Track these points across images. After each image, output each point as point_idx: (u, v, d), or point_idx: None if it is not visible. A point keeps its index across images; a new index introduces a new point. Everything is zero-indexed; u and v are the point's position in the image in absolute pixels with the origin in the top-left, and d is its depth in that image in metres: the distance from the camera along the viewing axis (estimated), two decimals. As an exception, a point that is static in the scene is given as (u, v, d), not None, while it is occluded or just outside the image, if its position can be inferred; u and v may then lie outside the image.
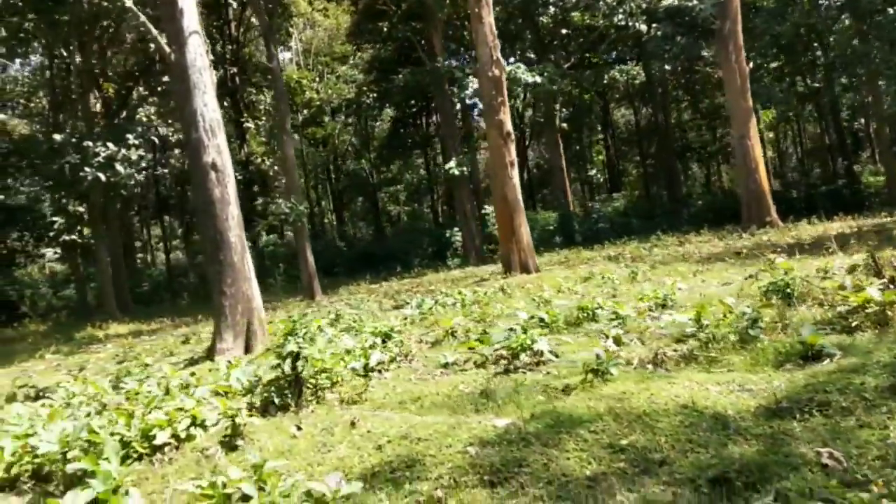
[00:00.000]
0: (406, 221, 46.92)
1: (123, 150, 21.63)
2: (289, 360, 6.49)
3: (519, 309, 10.95)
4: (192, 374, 8.74)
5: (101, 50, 25.18)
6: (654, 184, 44.02)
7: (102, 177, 21.29)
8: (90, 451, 5.08)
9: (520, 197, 15.18)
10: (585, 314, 8.85)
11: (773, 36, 25.67)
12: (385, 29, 32.37)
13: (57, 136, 21.71)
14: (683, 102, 42.28)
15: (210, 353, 10.08)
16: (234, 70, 33.92)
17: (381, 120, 42.45)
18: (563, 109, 39.43)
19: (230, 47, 36.09)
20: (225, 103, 36.45)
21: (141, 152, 21.72)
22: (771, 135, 44.78)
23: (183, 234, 49.01)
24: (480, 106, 39.53)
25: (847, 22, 29.53)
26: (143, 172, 22.62)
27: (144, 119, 31.60)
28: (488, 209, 28.44)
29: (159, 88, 30.31)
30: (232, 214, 10.21)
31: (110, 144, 21.45)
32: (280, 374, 6.64)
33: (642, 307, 9.04)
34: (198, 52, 10.28)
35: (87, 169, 21.21)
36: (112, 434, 5.29)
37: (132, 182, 21.74)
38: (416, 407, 6.50)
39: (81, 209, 26.24)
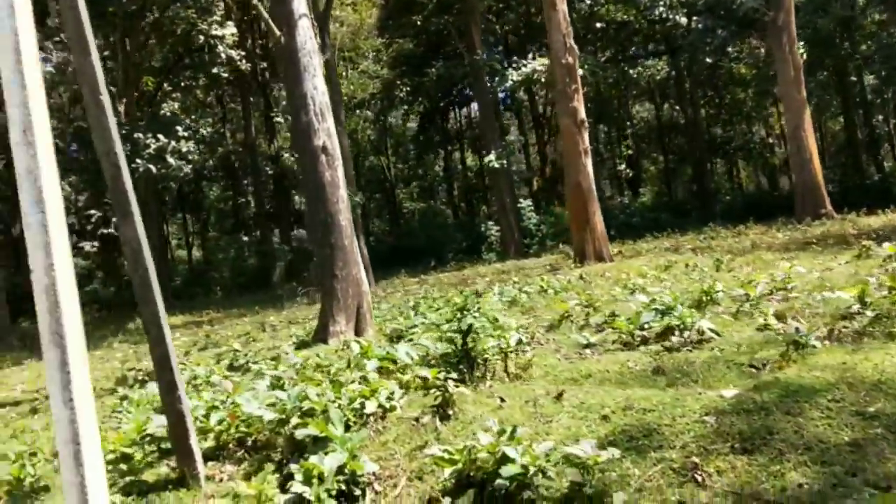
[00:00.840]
0: (423, 217, 46.90)
1: (173, 143, 21.61)
2: (460, 336, 6.51)
3: (616, 295, 10.97)
4: (317, 355, 8.78)
5: (143, 43, 25.11)
6: (675, 180, 44.08)
7: (154, 168, 21.29)
8: (314, 418, 5.08)
9: (593, 185, 15.20)
10: (708, 297, 8.85)
11: (814, 29, 25.69)
12: (418, 22, 32.32)
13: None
14: (704, 98, 42.25)
15: (322, 336, 10.08)
16: (265, 64, 33.84)
17: (407, 115, 42.28)
18: (588, 104, 39.45)
19: (260, 42, 36.04)
20: (251, 98, 36.57)
21: (191, 144, 21.69)
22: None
23: (199, 231, 49.00)
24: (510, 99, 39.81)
25: (879, 16, 29.64)
26: (191, 165, 22.57)
27: (169, 113, 31.57)
28: (523, 203, 28.40)
29: (183, 84, 30.29)
30: (342, 197, 10.22)
31: (161, 136, 21.43)
32: (451, 350, 6.65)
33: (763, 289, 9.02)
34: (307, 34, 10.27)
35: (138, 161, 21.20)
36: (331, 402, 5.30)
37: (181, 174, 21.70)
38: (589, 383, 6.52)
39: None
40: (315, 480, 4.48)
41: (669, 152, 44.17)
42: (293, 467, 4.65)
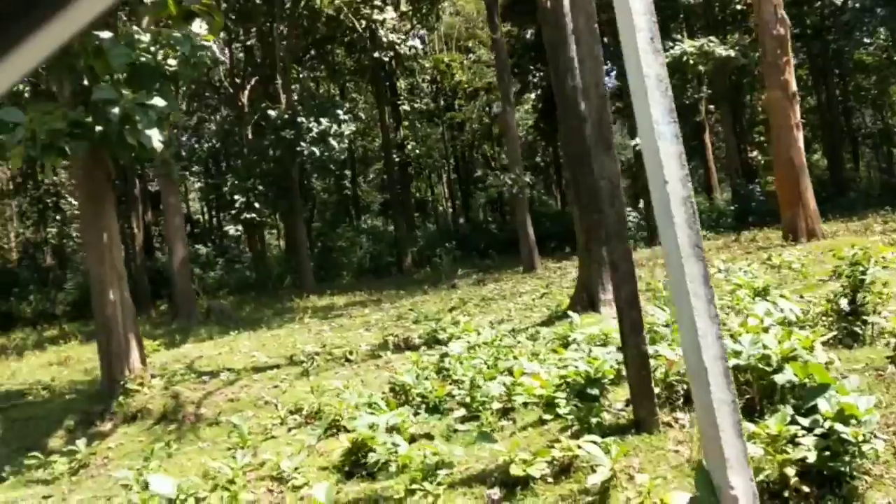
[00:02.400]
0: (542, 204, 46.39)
1: (335, 126, 21.91)
2: (848, 293, 6.21)
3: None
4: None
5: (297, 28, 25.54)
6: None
7: (317, 151, 21.64)
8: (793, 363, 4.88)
9: (805, 160, 14.61)
10: None
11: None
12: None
13: (272, 112, 22.15)
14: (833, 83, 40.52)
15: (586, 305, 9.91)
16: (392, 54, 34.02)
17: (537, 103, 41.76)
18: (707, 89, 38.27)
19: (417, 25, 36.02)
20: (369, 88, 36.91)
21: (352, 127, 21.94)
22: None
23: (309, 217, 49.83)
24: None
25: None
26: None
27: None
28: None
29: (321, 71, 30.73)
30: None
31: (323, 120, 21.75)
32: (832, 308, 6.36)
33: None
34: (573, -1, 10.08)
35: (302, 144, 21.59)
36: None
37: (343, 157, 21.99)
38: None
39: (261, 187, 26.85)
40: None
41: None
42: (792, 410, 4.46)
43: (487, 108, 43.87)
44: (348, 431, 6.93)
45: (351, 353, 10.53)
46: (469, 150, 45.84)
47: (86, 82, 8.76)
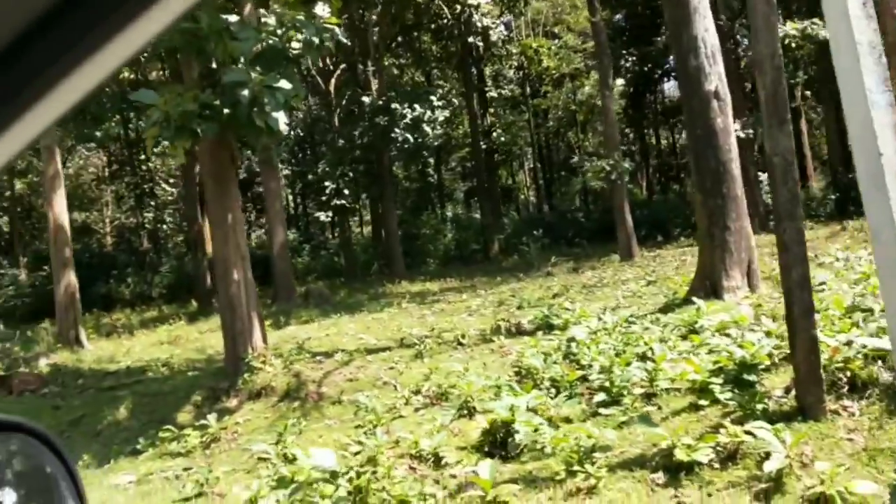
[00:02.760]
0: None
1: (429, 112, 21.93)
2: None
3: None
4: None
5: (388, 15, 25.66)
6: None
7: (411, 138, 21.73)
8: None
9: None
10: None
11: None
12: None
13: (365, 99, 22.35)
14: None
15: (709, 292, 9.57)
16: (481, 38, 33.85)
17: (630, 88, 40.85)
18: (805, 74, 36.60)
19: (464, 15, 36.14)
20: (454, 75, 36.88)
21: (446, 113, 21.92)
22: None
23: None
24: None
25: None
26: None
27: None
28: (762, 176, 26.66)
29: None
30: (733, 145, 9.65)
31: (417, 106, 21.80)
32: None
33: None
34: (697, -25, 9.73)
35: (396, 130, 21.71)
36: None
37: (436, 143, 22.01)
38: None
39: (350, 174, 27.18)
40: None
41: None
42: None
43: (572, 95, 43.22)
44: (480, 413, 6.90)
45: (463, 336, 10.50)
46: (554, 137, 45.30)
47: (214, 65, 8.96)
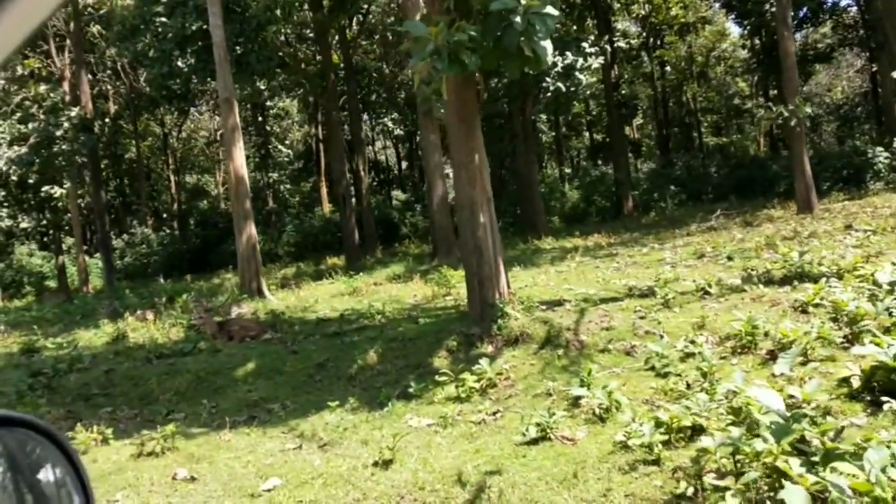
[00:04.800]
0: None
1: (581, 60, 21.05)
2: None
3: None
4: None
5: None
6: None
7: (563, 87, 20.95)
8: None
9: None
10: None
11: None
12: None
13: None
14: None
15: None
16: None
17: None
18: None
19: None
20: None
21: (600, 60, 20.98)
22: None
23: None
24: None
25: None
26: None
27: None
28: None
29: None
30: None
31: (569, 53, 20.95)
32: None
33: None
34: None
35: (547, 80, 20.96)
36: None
37: (588, 92, 21.15)
38: None
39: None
40: None
41: None
42: None
43: (688, 49, 41.22)
44: (818, 361, 6.33)
45: (709, 285, 9.87)
46: (673, 90, 43.45)
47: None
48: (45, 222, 33.00)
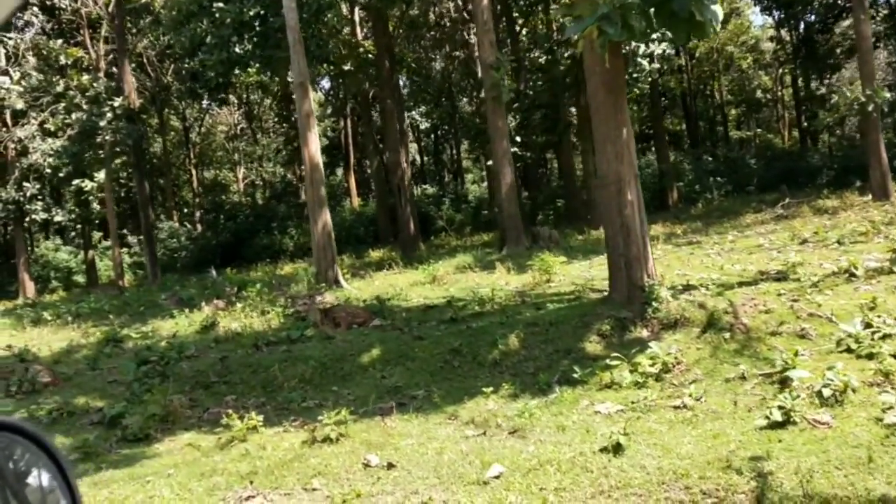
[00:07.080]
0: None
1: (642, 47, 20.57)
2: None
3: None
4: None
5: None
6: None
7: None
8: None
9: None
10: None
11: None
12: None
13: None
14: None
15: None
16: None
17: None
18: None
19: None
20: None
21: (665, 46, 20.51)
22: None
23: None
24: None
25: None
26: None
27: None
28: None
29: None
30: None
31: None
32: None
33: None
34: None
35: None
36: None
37: (651, 79, 20.69)
38: None
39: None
40: None
41: None
42: None
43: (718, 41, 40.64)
44: None
45: (855, 267, 9.42)
46: (707, 81, 42.94)
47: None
48: (73, 216, 32.49)
